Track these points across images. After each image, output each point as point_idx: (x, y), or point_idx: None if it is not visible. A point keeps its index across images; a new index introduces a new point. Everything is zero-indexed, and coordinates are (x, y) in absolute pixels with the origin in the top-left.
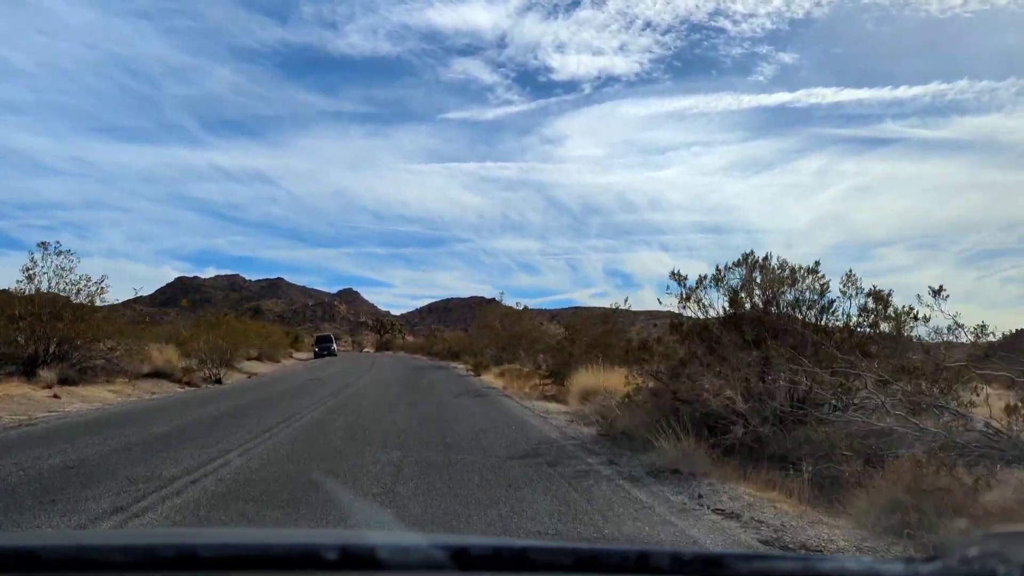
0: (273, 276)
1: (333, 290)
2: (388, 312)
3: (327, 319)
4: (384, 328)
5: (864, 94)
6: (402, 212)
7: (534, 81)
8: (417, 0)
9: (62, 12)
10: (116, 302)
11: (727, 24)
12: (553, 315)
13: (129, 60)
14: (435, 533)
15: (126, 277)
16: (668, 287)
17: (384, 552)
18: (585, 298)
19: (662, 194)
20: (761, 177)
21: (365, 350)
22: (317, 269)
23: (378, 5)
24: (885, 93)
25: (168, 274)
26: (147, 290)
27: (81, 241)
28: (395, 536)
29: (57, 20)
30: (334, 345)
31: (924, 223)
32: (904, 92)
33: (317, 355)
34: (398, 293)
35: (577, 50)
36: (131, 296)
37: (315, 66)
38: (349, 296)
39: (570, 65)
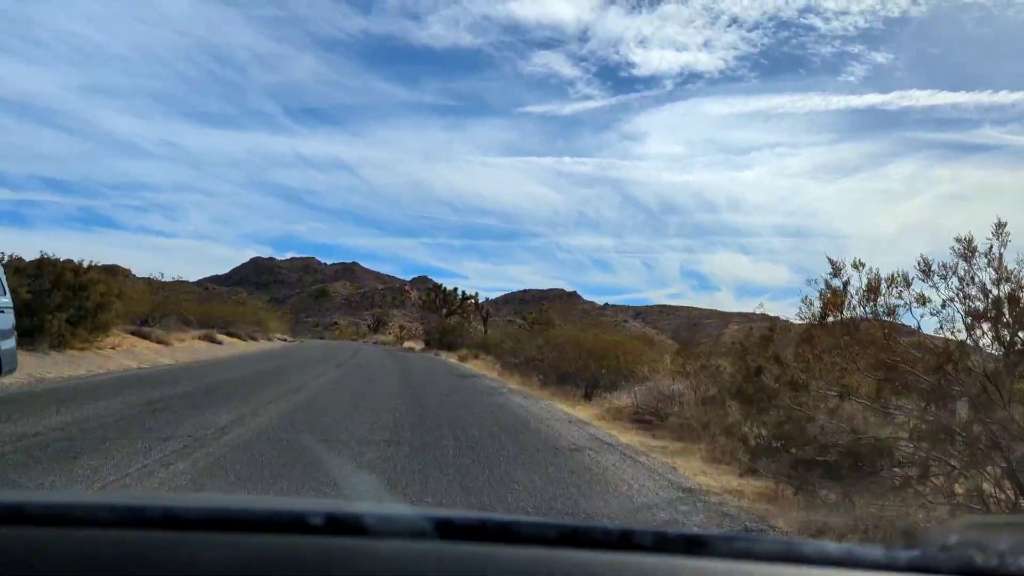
0: (348, 261)
1: (407, 277)
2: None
3: (397, 305)
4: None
5: (961, 98)
6: (477, 204)
7: (615, 76)
8: None
9: (157, 0)
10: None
11: (817, 21)
12: (637, 312)
13: (218, 47)
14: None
15: (211, 258)
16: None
17: (369, 519)
18: (661, 298)
19: (743, 195)
20: (847, 181)
21: (407, 345)
22: (393, 257)
23: None
24: (984, 97)
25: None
26: (223, 269)
27: (170, 222)
28: (381, 505)
29: (152, 7)
30: None
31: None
32: (1004, 97)
33: None
34: (472, 285)
35: (660, 45)
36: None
37: (396, 56)
38: (423, 283)
39: (652, 60)
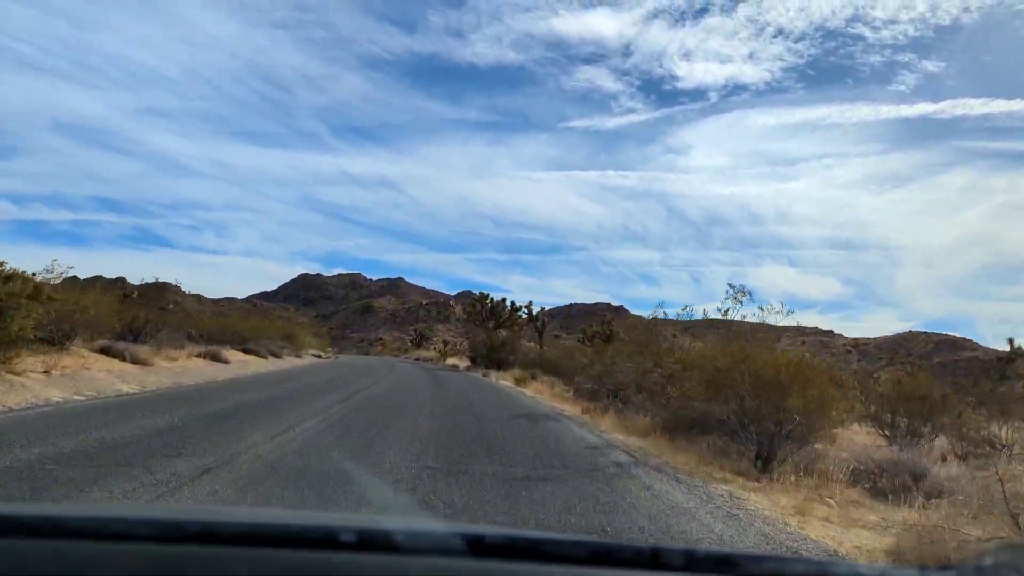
0: (394, 276)
1: (452, 292)
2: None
3: (441, 320)
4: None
5: (1017, 106)
6: (521, 219)
7: (659, 89)
8: (542, 9)
9: (207, 24)
10: None
11: (866, 31)
12: (686, 327)
13: (266, 69)
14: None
15: (261, 275)
16: None
17: (400, 536)
18: (709, 311)
19: (791, 207)
20: (899, 192)
21: (450, 362)
22: (437, 273)
23: (503, 14)
24: None
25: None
26: (272, 286)
27: (220, 240)
28: (412, 521)
29: (202, 32)
30: None
31: None
32: None
33: None
34: (516, 299)
35: (704, 58)
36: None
37: (440, 75)
38: (467, 298)
39: (696, 73)
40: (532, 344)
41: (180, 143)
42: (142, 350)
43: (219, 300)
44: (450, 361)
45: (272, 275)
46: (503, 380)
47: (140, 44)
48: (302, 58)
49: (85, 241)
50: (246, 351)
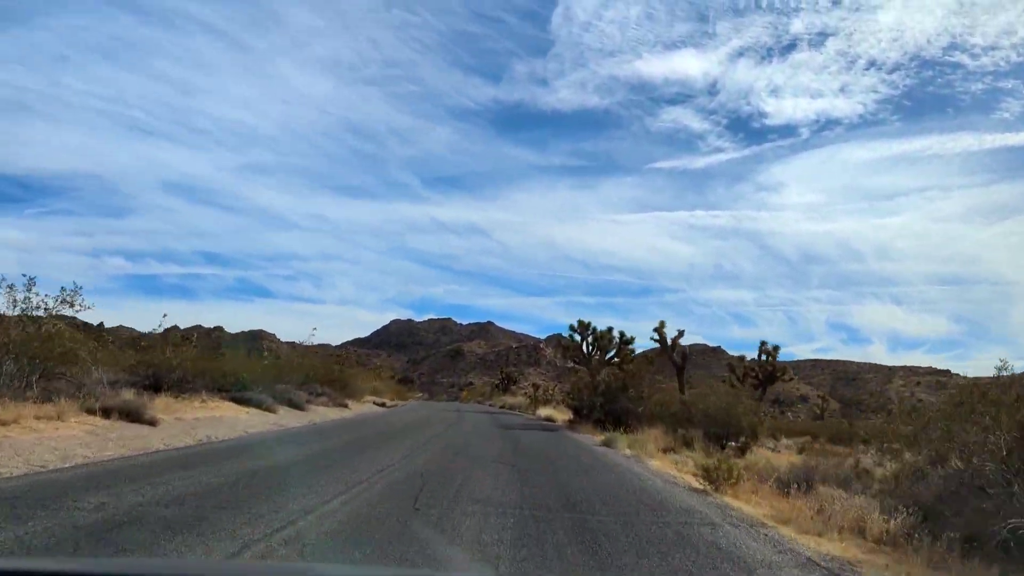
0: (483, 321)
1: (542, 336)
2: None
3: (531, 363)
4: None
5: None
6: (609, 262)
7: (747, 127)
8: (626, 52)
9: (302, 84)
10: None
11: (964, 59)
12: (780, 369)
13: (358, 123)
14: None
15: (355, 323)
16: None
17: None
18: (807, 352)
19: (891, 242)
20: (1008, 223)
21: (543, 414)
22: (527, 317)
23: (587, 60)
24: None
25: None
26: (365, 332)
27: (317, 290)
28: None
29: (298, 91)
30: None
31: None
32: None
33: None
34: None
35: (793, 93)
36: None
37: (525, 122)
38: (558, 341)
39: (786, 109)
40: (662, 381)
41: (279, 197)
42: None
43: (313, 347)
44: (542, 412)
45: (366, 322)
46: (648, 459)
47: (241, 105)
48: (392, 112)
49: (192, 293)
50: (240, 402)
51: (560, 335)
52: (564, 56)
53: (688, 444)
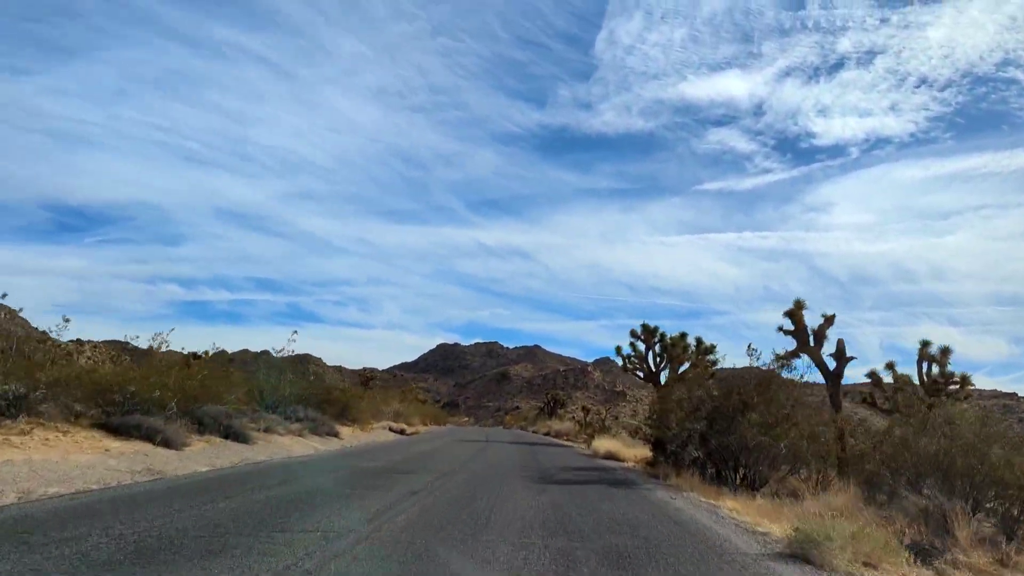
0: (530, 344)
1: (589, 360)
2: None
3: (579, 387)
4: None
5: None
6: (656, 284)
7: (795, 147)
8: (670, 75)
9: (350, 111)
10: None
11: (1018, 74)
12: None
13: (405, 150)
14: None
15: (402, 347)
16: None
17: None
18: (859, 375)
19: (946, 262)
20: None
21: (603, 447)
22: (574, 341)
23: (631, 83)
24: None
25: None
26: (412, 356)
27: (364, 314)
28: None
29: (346, 119)
30: None
31: None
32: None
33: None
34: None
35: (842, 113)
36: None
37: (570, 145)
38: (605, 364)
39: (834, 129)
40: (811, 393)
41: (327, 223)
42: None
43: (359, 371)
44: (603, 444)
45: (413, 346)
46: None
47: (291, 134)
48: (438, 138)
49: (242, 319)
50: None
51: (609, 359)
52: (608, 80)
53: (929, 524)
